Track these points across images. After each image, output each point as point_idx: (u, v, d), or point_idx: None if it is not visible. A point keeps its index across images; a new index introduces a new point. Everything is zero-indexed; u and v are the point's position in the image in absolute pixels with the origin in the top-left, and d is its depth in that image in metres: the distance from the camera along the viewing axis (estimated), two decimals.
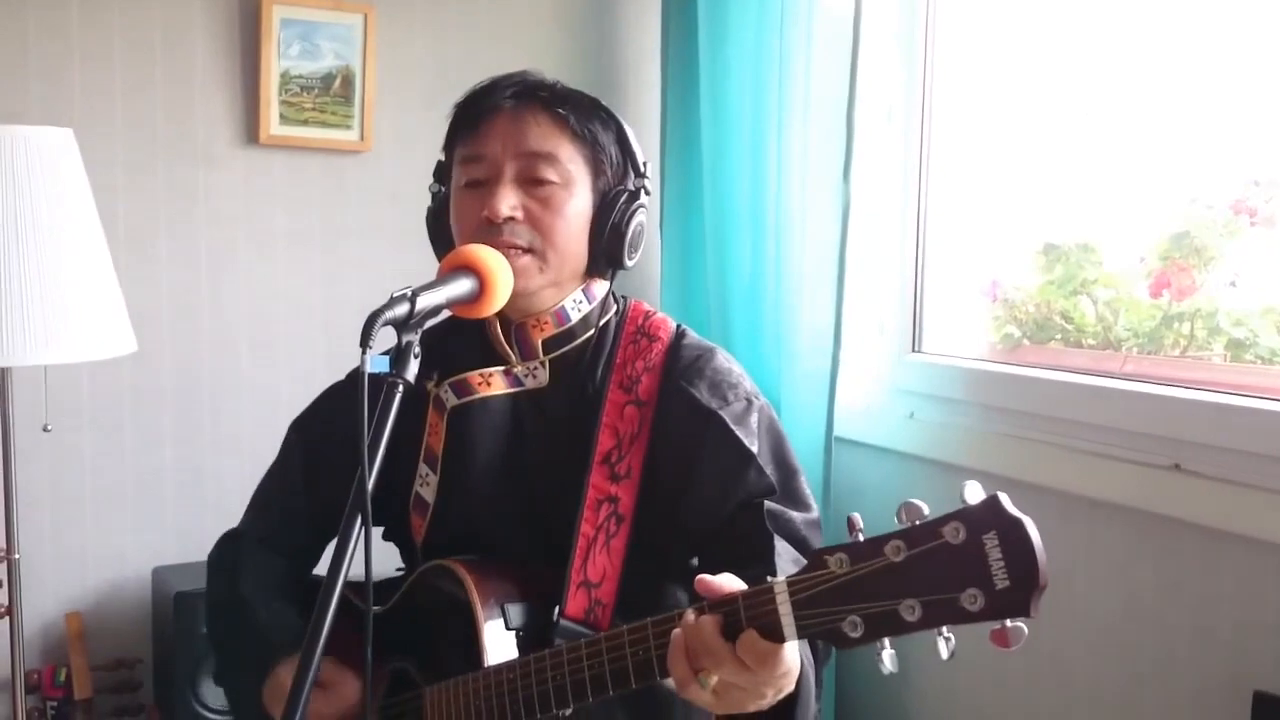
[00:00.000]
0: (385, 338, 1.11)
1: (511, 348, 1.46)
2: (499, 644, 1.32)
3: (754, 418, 1.42)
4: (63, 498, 2.46)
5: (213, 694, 2.32)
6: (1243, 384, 1.82)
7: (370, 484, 1.08)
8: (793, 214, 2.32)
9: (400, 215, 2.65)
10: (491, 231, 1.37)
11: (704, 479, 1.39)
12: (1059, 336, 2.20)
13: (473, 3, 2.75)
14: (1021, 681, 2.02)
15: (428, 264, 1.38)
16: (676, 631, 1.10)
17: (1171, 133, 2.00)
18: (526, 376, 1.45)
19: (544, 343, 1.45)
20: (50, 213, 1.92)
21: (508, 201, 1.38)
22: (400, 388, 1.14)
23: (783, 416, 1.91)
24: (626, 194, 1.45)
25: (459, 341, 1.50)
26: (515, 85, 1.43)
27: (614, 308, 1.51)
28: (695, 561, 1.45)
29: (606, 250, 1.44)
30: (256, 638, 1.46)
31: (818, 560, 1.00)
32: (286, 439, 1.61)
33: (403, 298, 1.15)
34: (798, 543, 1.36)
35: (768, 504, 1.37)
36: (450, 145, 1.47)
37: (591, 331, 1.47)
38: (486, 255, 1.28)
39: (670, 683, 1.12)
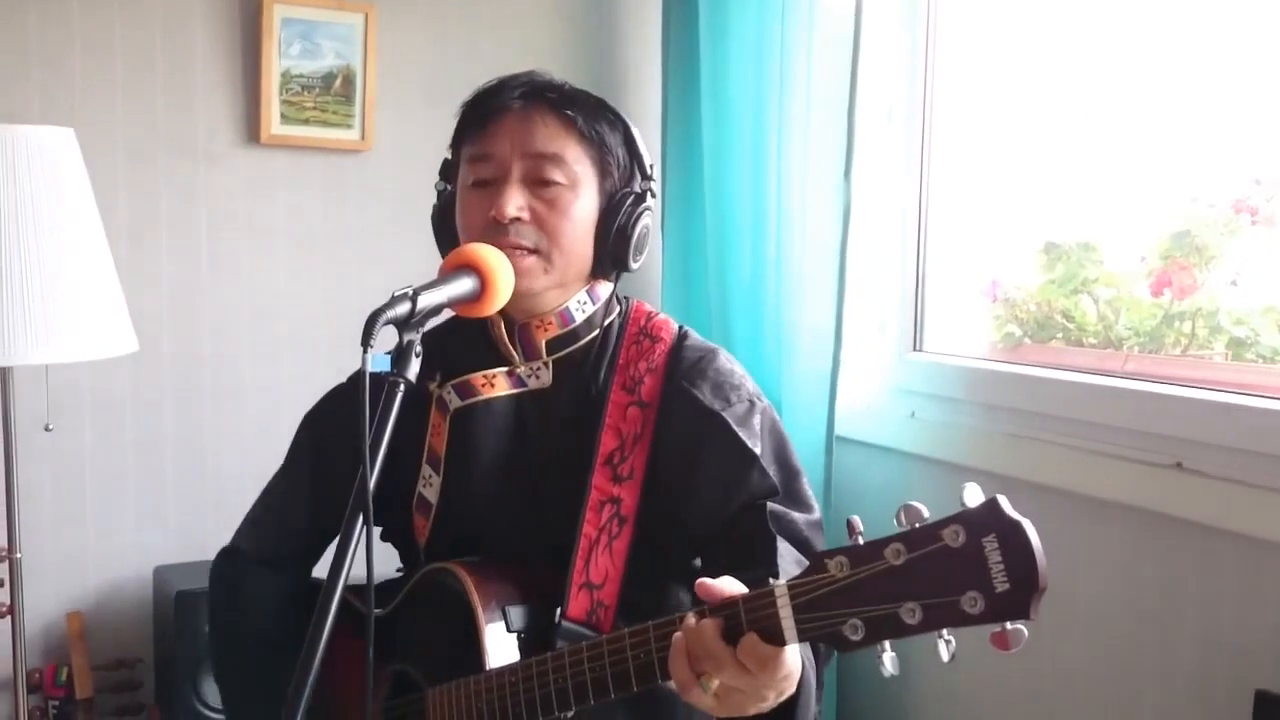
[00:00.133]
0: (387, 337, 1.11)
1: (515, 348, 1.45)
2: (500, 646, 1.32)
3: (756, 419, 1.42)
4: (64, 497, 2.46)
5: (213, 693, 2.32)
6: (1244, 383, 1.82)
7: (372, 483, 1.08)
8: (793, 213, 2.31)
9: (401, 214, 2.65)
10: (497, 232, 1.37)
11: (706, 480, 1.39)
12: (1060, 335, 2.20)
13: (473, 2, 2.75)
14: (1021, 680, 2.02)
15: (429, 263, 1.37)
16: (678, 635, 1.09)
17: (1172, 131, 2.00)
18: (530, 377, 1.45)
19: (548, 343, 1.45)
20: (51, 212, 1.92)
21: (514, 202, 1.38)
22: (402, 387, 1.14)
23: (783, 416, 1.91)
24: (633, 196, 1.45)
25: (461, 342, 1.49)
26: (524, 85, 1.43)
27: (617, 309, 1.51)
28: (698, 562, 1.45)
29: (612, 252, 1.44)
30: (263, 686, 1.46)
31: (818, 563, 1.00)
32: (294, 440, 1.61)
33: (404, 296, 1.15)
34: (800, 544, 1.36)
35: (770, 505, 1.37)
36: (457, 144, 1.47)
37: (595, 332, 1.47)
38: (488, 254, 1.28)
39: (671, 685, 1.12)
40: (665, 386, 1.43)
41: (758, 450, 1.39)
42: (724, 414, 1.40)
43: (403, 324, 1.15)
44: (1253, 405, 1.72)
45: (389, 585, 1.49)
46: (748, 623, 1.05)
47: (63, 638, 2.43)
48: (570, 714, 1.22)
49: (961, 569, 0.92)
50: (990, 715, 2.10)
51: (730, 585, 1.11)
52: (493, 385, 1.44)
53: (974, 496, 0.94)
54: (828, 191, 2.25)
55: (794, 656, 1.09)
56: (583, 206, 1.41)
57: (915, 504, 0.96)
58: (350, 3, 2.58)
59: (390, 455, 1.14)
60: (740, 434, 1.39)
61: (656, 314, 1.51)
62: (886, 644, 0.98)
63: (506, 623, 1.33)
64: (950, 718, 2.19)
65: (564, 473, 1.41)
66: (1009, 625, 0.91)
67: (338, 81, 2.59)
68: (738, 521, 1.38)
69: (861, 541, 0.99)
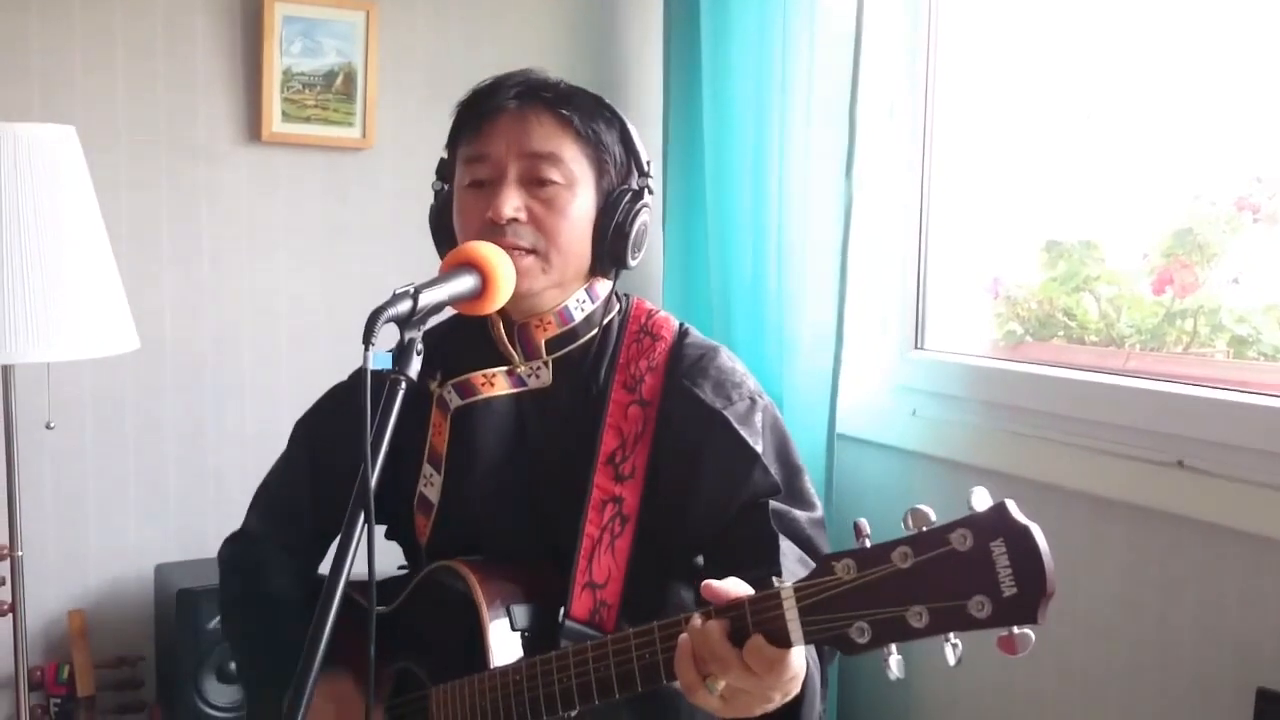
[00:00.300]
0: (388, 335, 1.11)
1: (514, 348, 1.45)
2: (504, 645, 1.32)
3: (758, 417, 1.42)
4: (65, 495, 2.46)
5: (215, 691, 2.33)
6: (1245, 381, 1.82)
7: (373, 481, 1.08)
8: (795, 211, 2.31)
9: (402, 212, 2.65)
10: (495, 232, 1.37)
11: (708, 479, 1.39)
12: (1062, 333, 2.20)
13: (474, 1, 2.74)
14: (1024, 677, 2.02)
15: (430, 261, 1.38)
16: (683, 637, 1.09)
17: (1174, 129, 2.00)
18: (530, 376, 1.45)
19: (547, 343, 1.45)
20: (52, 210, 1.92)
21: (511, 203, 1.37)
22: (403, 385, 1.14)
23: (785, 413, 1.91)
24: (630, 194, 1.44)
25: (461, 341, 1.49)
26: (519, 85, 1.42)
27: (616, 307, 1.51)
28: (700, 561, 1.45)
29: (610, 250, 1.44)
30: (289, 648, 1.46)
31: (825, 566, 1.00)
32: (292, 438, 1.61)
33: (405, 294, 1.15)
34: (802, 542, 1.36)
35: (772, 503, 1.37)
36: (453, 144, 1.47)
37: (595, 331, 1.47)
38: (488, 252, 1.28)
39: (676, 685, 1.12)
40: (666, 385, 1.43)
41: (759, 448, 1.39)
42: (725, 412, 1.40)
43: (404, 322, 1.15)
44: (1254, 403, 1.72)
45: (392, 583, 1.49)
46: (754, 624, 1.05)
47: (64, 636, 2.43)
48: (574, 714, 1.22)
49: (969, 573, 0.92)
50: (991, 711, 2.10)
51: (736, 587, 1.10)
52: (492, 384, 1.44)
53: (982, 500, 0.93)
54: (829, 190, 2.25)
55: (800, 658, 1.09)
56: (580, 205, 1.41)
57: (922, 507, 0.96)
58: (351, 0, 2.58)
59: (392, 454, 1.14)
60: (742, 432, 1.39)
61: (657, 312, 1.51)
62: (893, 647, 0.97)
63: (511, 621, 1.33)
64: (951, 714, 2.19)
65: (565, 472, 1.41)
66: (1016, 630, 0.91)
67: (339, 79, 2.59)
68: (740, 520, 1.38)
69: (869, 544, 0.99)
